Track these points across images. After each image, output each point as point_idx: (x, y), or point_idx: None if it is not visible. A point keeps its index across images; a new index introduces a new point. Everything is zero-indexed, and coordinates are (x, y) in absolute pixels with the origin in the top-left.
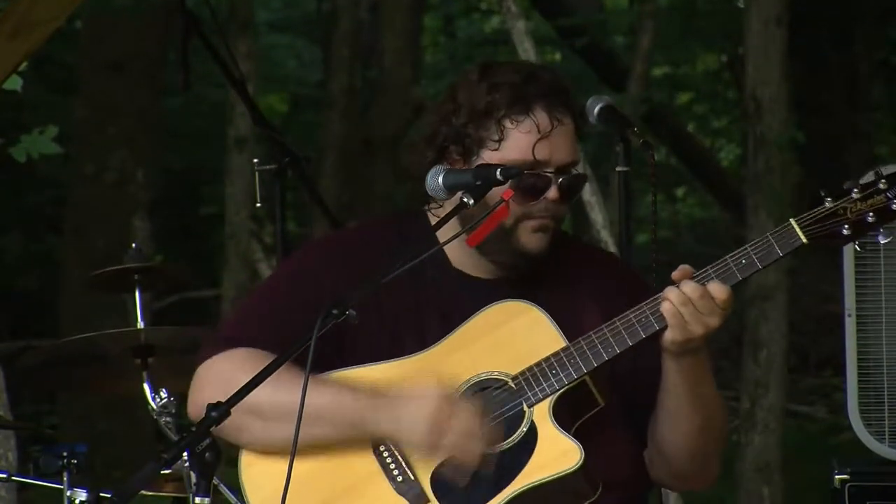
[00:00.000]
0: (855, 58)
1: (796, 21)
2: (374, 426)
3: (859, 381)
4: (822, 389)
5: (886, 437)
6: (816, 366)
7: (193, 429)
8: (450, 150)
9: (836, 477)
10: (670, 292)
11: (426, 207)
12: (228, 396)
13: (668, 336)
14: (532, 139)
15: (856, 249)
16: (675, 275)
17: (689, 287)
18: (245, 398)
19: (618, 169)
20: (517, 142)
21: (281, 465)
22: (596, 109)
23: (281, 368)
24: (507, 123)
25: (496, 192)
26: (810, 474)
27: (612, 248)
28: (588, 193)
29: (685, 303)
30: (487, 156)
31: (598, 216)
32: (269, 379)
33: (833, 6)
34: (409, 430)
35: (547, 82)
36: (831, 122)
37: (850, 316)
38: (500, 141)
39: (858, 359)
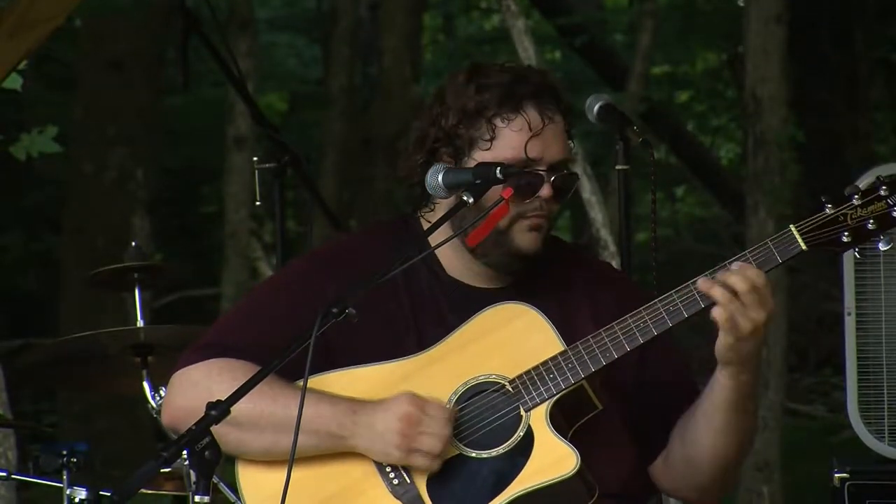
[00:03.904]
0: (854, 57)
1: (796, 20)
2: (352, 438)
3: (859, 379)
4: (822, 388)
5: (886, 435)
6: (816, 364)
7: (193, 427)
8: (440, 151)
9: (836, 475)
10: (715, 291)
11: (419, 213)
12: (205, 404)
13: (721, 340)
14: (524, 137)
15: (855, 256)
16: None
17: (735, 278)
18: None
19: (617, 167)
20: (509, 140)
21: (275, 469)
22: (595, 108)
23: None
24: (498, 122)
25: (493, 192)
26: (810, 473)
27: (612, 247)
28: (588, 192)
29: (732, 300)
30: (479, 156)
31: (597, 215)
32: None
33: (833, 5)
34: (381, 440)
35: (536, 81)
36: (831, 121)
37: (849, 315)
38: (491, 140)
39: (858, 357)
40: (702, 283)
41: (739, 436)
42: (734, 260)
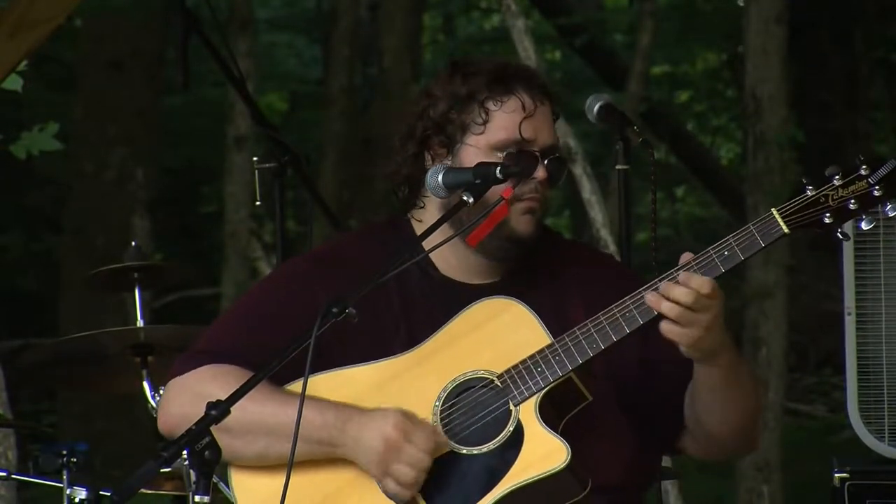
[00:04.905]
0: (854, 57)
1: (796, 20)
2: (341, 448)
3: (859, 379)
4: (822, 388)
5: (886, 435)
6: (816, 364)
7: (193, 427)
8: (432, 140)
9: (836, 475)
10: (660, 304)
11: (409, 215)
12: (203, 407)
13: (681, 348)
14: (517, 118)
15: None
16: (682, 260)
17: (676, 292)
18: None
19: (617, 167)
20: (503, 121)
21: (268, 474)
22: (595, 108)
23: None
24: (491, 105)
25: (493, 192)
26: (810, 472)
27: (612, 247)
28: (587, 192)
29: (681, 312)
30: (472, 140)
31: (597, 215)
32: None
33: (833, 5)
34: (364, 455)
35: (521, 67)
36: (831, 121)
37: (849, 314)
38: (484, 123)
39: (858, 357)
40: (649, 296)
41: (741, 403)
42: (718, 246)
